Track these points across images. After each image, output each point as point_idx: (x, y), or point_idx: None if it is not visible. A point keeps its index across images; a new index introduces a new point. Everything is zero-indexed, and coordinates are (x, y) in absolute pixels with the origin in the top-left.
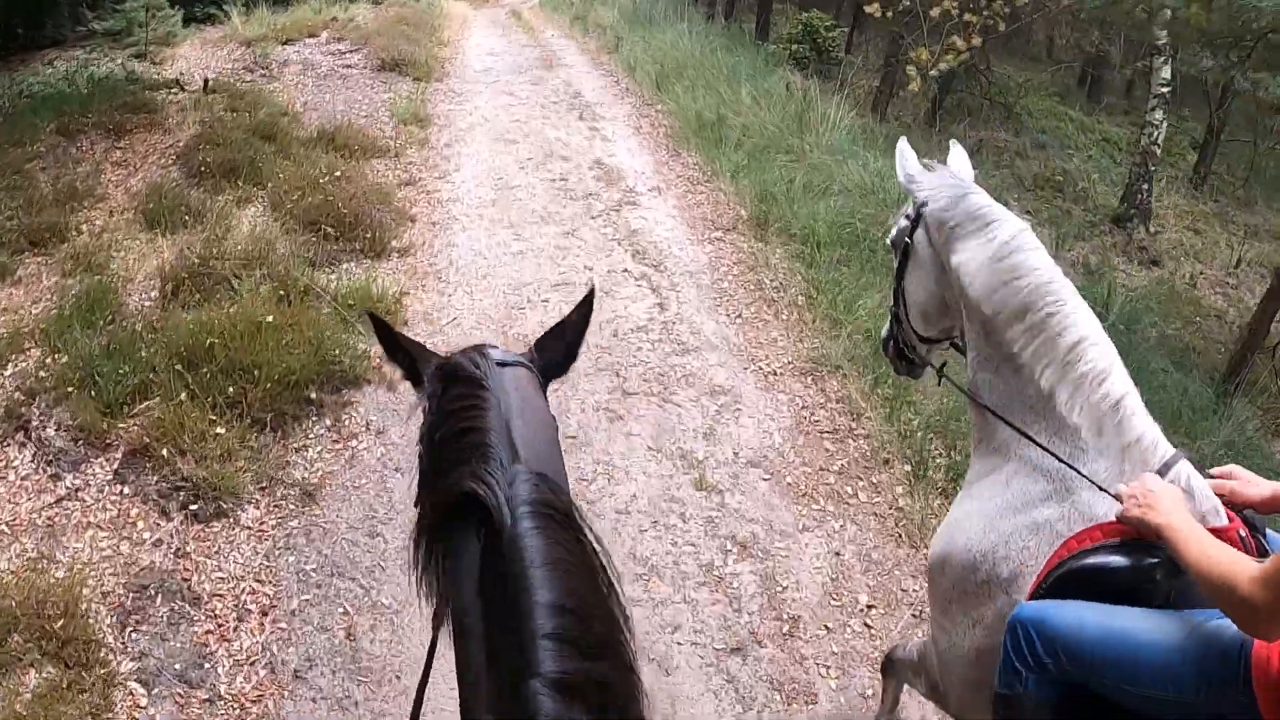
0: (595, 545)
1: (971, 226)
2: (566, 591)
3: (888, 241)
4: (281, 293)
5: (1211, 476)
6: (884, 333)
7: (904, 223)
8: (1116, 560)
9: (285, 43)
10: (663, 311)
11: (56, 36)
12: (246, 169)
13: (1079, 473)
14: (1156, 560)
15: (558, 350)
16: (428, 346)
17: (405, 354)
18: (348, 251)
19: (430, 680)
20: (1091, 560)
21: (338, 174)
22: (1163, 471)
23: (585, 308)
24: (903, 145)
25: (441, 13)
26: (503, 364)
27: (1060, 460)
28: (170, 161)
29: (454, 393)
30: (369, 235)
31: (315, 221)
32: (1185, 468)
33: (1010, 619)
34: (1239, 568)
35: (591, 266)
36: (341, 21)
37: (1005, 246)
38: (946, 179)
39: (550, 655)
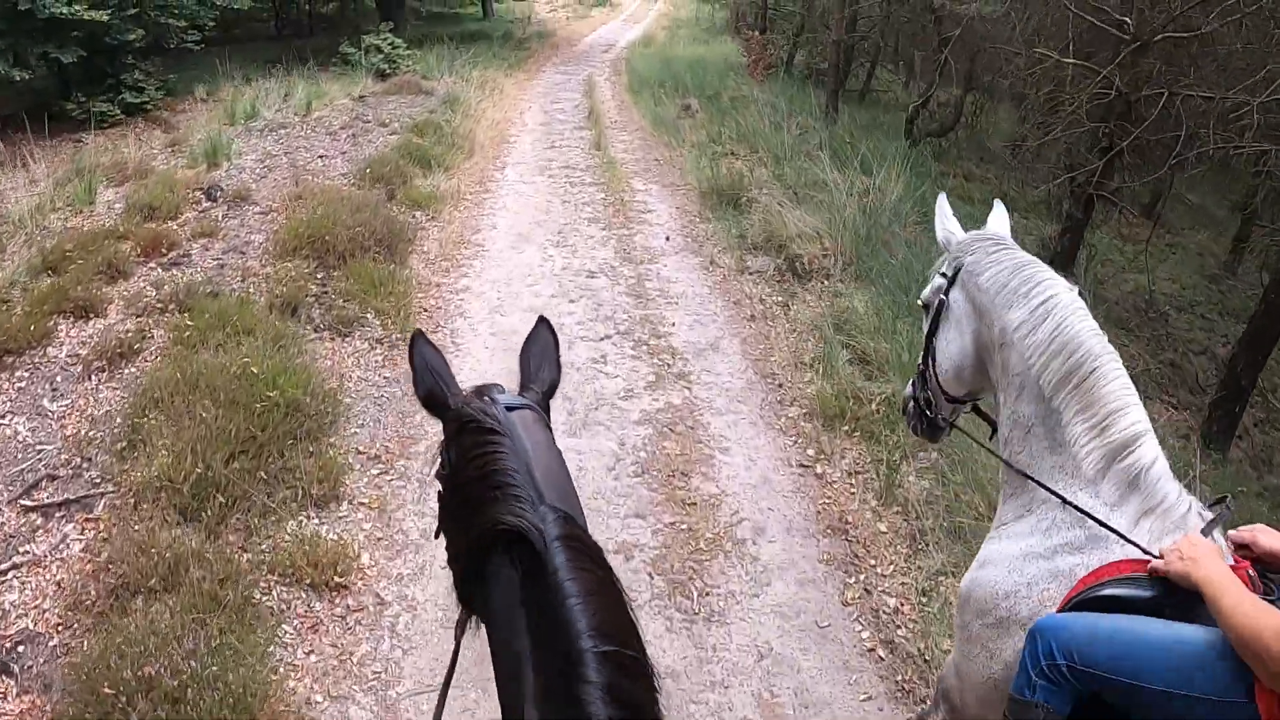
0: (618, 579)
1: (1021, 288)
2: (605, 619)
3: (920, 301)
4: None
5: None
6: (906, 392)
7: (940, 280)
8: (1133, 590)
9: (79, 312)
10: None
11: None
12: None
13: (1116, 533)
14: (1176, 598)
15: (550, 373)
16: (453, 383)
17: (427, 385)
18: None
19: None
20: (1110, 590)
21: None
22: (1204, 533)
23: (545, 332)
24: (942, 201)
25: (463, 136)
26: (510, 408)
27: (1096, 520)
28: None
29: (470, 439)
30: None
31: None
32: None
33: (1031, 628)
34: (1268, 622)
35: None
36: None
37: (1058, 311)
38: (988, 237)
39: (597, 669)
